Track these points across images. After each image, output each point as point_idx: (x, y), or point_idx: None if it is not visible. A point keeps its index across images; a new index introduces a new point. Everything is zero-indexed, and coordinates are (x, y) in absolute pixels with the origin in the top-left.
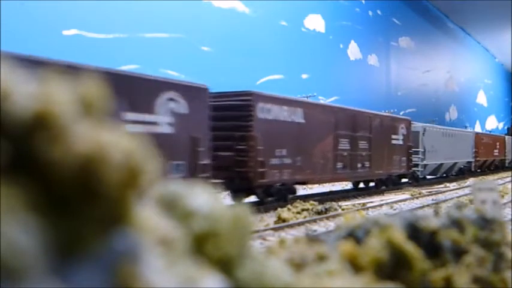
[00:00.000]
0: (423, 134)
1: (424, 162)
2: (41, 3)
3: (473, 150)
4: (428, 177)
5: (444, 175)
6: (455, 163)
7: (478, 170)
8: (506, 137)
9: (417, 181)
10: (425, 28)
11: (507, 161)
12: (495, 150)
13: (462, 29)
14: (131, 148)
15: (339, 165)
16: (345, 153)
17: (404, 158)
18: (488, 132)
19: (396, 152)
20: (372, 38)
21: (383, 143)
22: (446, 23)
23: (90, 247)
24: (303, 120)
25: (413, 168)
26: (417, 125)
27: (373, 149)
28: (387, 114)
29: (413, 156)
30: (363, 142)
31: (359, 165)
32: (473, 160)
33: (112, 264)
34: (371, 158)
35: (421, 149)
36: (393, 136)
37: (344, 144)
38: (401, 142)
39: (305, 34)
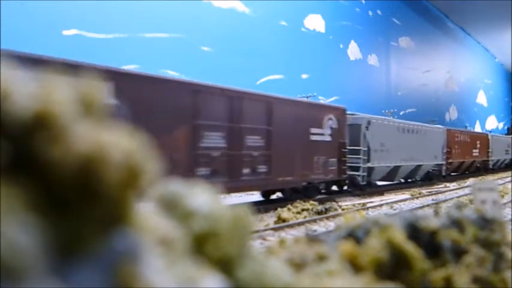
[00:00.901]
0: (367, 128)
1: (368, 164)
2: (41, 3)
3: (445, 150)
4: (380, 183)
5: (402, 180)
6: (419, 166)
7: (453, 174)
8: (490, 134)
9: (360, 189)
10: (425, 28)
11: (491, 163)
12: (474, 150)
13: (462, 29)
14: (131, 148)
15: (202, 170)
16: (215, 153)
17: (333, 160)
18: (466, 129)
19: (319, 152)
20: (372, 38)
21: (294, 140)
22: (446, 23)
23: (90, 247)
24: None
25: (352, 173)
26: (359, 117)
27: (275, 147)
28: (305, 100)
29: (352, 157)
30: (254, 138)
31: (246, 170)
32: (444, 162)
33: (112, 264)
34: (270, 160)
35: (363, 148)
36: (313, 130)
37: (213, 140)
38: (328, 138)
39: (305, 34)
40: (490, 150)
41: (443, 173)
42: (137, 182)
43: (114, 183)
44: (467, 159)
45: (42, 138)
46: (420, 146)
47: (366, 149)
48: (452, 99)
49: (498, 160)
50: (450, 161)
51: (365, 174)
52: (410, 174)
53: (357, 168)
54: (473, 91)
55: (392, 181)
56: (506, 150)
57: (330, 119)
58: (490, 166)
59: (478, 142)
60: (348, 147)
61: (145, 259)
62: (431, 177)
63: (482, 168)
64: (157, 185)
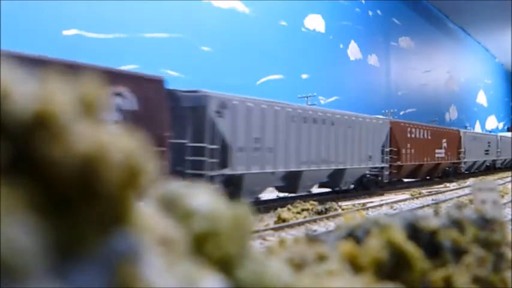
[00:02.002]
0: (219, 113)
1: (225, 171)
2: (41, 3)
3: (387, 148)
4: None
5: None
6: (340, 170)
7: (405, 180)
8: (462, 131)
9: None
10: (425, 28)
11: (464, 166)
12: (439, 151)
13: (462, 29)
14: (131, 148)
15: None
16: None
17: None
18: (430, 124)
19: None
20: (372, 38)
21: None
22: (446, 23)
23: (90, 247)
24: None
25: None
26: (202, 95)
27: None
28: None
29: (195, 159)
30: None
31: None
32: (386, 165)
33: (112, 264)
34: None
35: (209, 146)
36: None
37: None
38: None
39: (305, 34)
40: (462, 150)
41: (385, 179)
42: (137, 182)
43: (114, 183)
44: (428, 162)
45: (42, 137)
46: (340, 143)
47: (216, 147)
48: (452, 99)
49: (475, 162)
50: (398, 163)
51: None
52: (329, 182)
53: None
54: (473, 91)
55: (294, 193)
56: (486, 151)
57: (119, 95)
58: (463, 170)
59: (444, 140)
60: (181, 144)
61: (146, 259)
62: (366, 185)
63: (452, 173)
64: (158, 184)
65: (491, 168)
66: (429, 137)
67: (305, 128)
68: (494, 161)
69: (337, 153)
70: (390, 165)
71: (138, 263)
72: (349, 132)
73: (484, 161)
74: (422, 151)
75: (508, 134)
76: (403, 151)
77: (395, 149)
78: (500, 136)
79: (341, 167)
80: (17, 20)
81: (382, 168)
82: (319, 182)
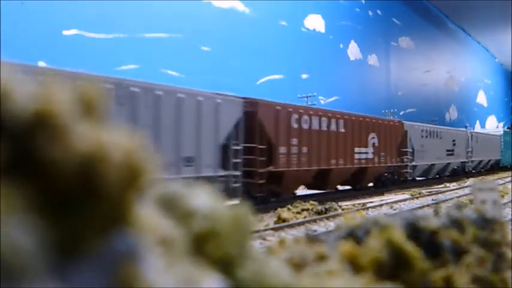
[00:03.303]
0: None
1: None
2: (41, 3)
3: (240, 146)
4: None
5: None
6: None
7: (302, 193)
8: (409, 123)
9: None
10: (425, 28)
11: (411, 172)
12: (363, 150)
13: (462, 29)
14: (131, 148)
15: None
16: None
17: None
18: (342, 111)
19: None
20: (371, 38)
21: None
22: (446, 23)
23: (91, 247)
24: None
25: None
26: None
27: None
28: None
29: None
30: None
31: None
32: (238, 173)
33: (112, 264)
34: None
35: None
36: None
37: None
38: None
39: (305, 34)
40: (408, 149)
41: (236, 194)
42: (137, 182)
43: (114, 183)
44: (341, 166)
45: (42, 137)
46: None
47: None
48: (452, 99)
49: (431, 166)
50: (270, 169)
51: None
52: None
53: None
54: (473, 91)
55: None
56: (450, 150)
57: None
58: (411, 176)
59: (373, 136)
60: None
61: (146, 259)
62: None
63: (392, 181)
64: (158, 184)
65: (459, 173)
66: (341, 130)
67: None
68: (463, 163)
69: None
70: (249, 172)
71: (138, 263)
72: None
73: (448, 164)
74: (329, 150)
75: (487, 131)
76: (279, 151)
77: (260, 147)
78: (473, 132)
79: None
80: (17, 20)
81: (228, 176)
82: None
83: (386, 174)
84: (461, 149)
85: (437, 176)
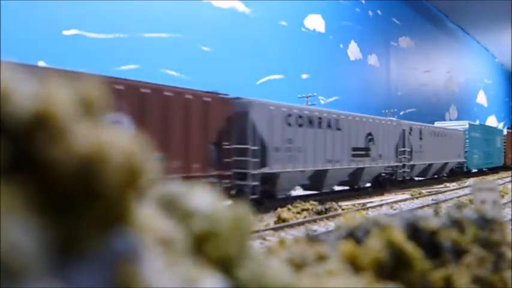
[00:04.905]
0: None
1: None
2: (41, 3)
3: None
4: None
5: None
6: None
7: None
8: (271, 106)
9: None
10: (425, 28)
11: (278, 188)
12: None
13: (462, 29)
14: (131, 148)
15: None
16: None
17: None
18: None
19: None
20: (372, 38)
21: None
22: (446, 23)
23: (90, 247)
24: None
25: None
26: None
27: None
28: None
29: None
30: None
31: None
32: None
33: (112, 264)
34: None
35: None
36: None
37: None
38: None
39: (305, 34)
40: (269, 147)
41: None
42: (137, 182)
43: (114, 183)
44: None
45: (42, 138)
46: None
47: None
48: (452, 99)
49: (324, 172)
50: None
51: None
52: None
53: None
54: (473, 91)
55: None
56: (363, 150)
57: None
58: (280, 193)
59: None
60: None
61: (145, 259)
62: None
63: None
64: (157, 185)
65: (385, 185)
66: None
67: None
68: (395, 168)
69: None
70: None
71: (138, 262)
72: None
73: (359, 170)
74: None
75: (446, 124)
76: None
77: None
78: (415, 125)
79: None
80: (17, 20)
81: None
82: None
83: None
84: (387, 148)
85: (334, 190)
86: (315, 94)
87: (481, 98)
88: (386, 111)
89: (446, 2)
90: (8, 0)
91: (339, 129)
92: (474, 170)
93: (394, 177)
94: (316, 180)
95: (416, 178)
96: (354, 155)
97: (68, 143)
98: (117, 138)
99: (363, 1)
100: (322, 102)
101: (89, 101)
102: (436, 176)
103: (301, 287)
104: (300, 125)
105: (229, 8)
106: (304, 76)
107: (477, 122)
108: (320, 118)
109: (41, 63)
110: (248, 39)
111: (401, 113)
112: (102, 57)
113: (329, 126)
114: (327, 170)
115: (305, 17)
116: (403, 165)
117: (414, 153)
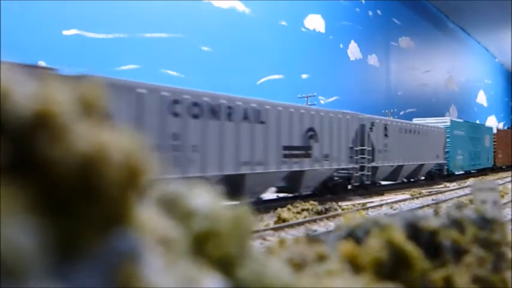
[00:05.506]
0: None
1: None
2: (41, 3)
3: None
4: None
5: None
6: None
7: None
8: (141, 89)
9: None
10: (425, 28)
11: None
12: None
13: (462, 29)
14: (131, 148)
15: None
16: None
17: None
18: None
19: None
20: (372, 38)
21: None
22: (446, 23)
23: (91, 247)
24: None
25: None
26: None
27: None
28: None
29: None
30: None
31: None
32: None
33: (112, 264)
34: None
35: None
36: None
37: None
38: None
39: (305, 34)
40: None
41: None
42: (137, 182)
43: (114, 183)
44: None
45: (42, 138)
46: None
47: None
48: (452, 99)
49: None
50: None
51: None
52: None
53: None
54: (473, 91)
55: None
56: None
57: None
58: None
59: None
60: None
61: (145, 259)
62: None
63: None
64: (158, 184)
65: (337, 191)
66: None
67: None
68: (351, 171)
69: None
70: None
71: (138, 262)
72: None
73: (297, 174)
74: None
75: (425, 120)
76: None
77: None
78: (381, 120)
79: None
80: (17, 20)
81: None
82: None
83: None
84: (338, 147)
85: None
86: (315, 94)
87: (481, 98)
88: (386, 111)
89: (447, 2)
90: (8, 0)
91: (262, 122)
92: (458, 173)
93: (350, 181)
94: (232, 187)
95: (384, 182)
96: (286, 156)
97: (68, 142)
98: (118, 138)
99: (363, 1)
100: (322, 102)
101: (89, 100)
102: (412, 180)
103: (301, 287)
104: (195, 116)
105: (229, 8)
106: (304, 76)
107: (477, 122)
108: (230, 108)
109: (41, 63)
110: (248, 39)
111: (401, 113)
112: (102, 57)
113: (245, 118)
114: (244, 174)
115: (305, 17)
116: (362, 168)
117: (377, 153)
